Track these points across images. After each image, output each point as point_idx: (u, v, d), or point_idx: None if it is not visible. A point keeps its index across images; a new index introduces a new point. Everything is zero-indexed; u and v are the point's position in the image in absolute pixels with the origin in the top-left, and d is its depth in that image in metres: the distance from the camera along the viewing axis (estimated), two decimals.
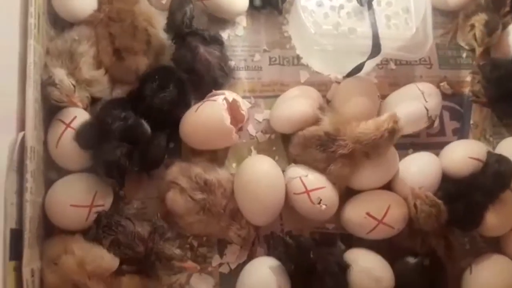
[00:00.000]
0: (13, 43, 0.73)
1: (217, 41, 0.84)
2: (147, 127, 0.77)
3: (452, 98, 0.92)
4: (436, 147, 0.87)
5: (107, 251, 0.71)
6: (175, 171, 0.77)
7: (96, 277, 0.68)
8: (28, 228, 0.67)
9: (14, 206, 0.67)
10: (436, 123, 0.90)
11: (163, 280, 0.74)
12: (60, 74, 0.76)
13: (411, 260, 0.77)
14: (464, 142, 0.89)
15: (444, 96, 0.90)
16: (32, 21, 0.75)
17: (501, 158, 0.81)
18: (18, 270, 0.65)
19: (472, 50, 0.94)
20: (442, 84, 0.92)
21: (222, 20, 0.91)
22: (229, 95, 0.81)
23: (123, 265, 0.71)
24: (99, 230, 0.73)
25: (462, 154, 0.84)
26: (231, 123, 0.79)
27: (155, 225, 0.74)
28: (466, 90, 0.93)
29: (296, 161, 0.83)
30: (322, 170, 0.79)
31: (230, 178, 0.79)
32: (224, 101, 0.79)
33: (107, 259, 0.69)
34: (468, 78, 0.94)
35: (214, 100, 0.80)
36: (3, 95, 0.70)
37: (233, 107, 0.81)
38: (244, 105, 0.84)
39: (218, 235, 0.79)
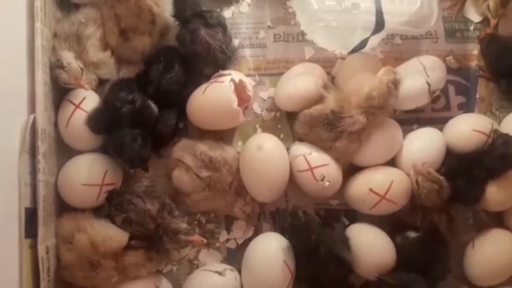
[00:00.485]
0: (21, 27, 0.75)
1: (220, 24, 0.83)
2: (154, 107, 0.79)
3: (458, 72, 0.91)
4: (441, 122, 0.87)
5: (117, 228, 0.74)
6: (180, 149, 0.79)
7: (109, 255, 0.71)
8: (42, 207, 0.70)
9: (28, 186, 0.70)
10: (441, 98, 0.89)
11: (172, 256, 0.77)
12: (68, 57, 0.77)
13: (412, 234, 0.79)
14: (468, 115, 0.88)
15: (450, 70, 0.90)
16: (38, 4, 0.76)
17: (508, 140, 0.80)
18: (33, 248, 0.68)
19: (484, 21, 0.92)
20: (448, 58, 0.91)
21: None
22: (236, 75, 0.82)
23: (132, 241, 0.74)
24: (111, 208, 0.76)
25: (466, 127, 0.84)
26: (238, 103, 0.80)
27: (163, 202, 0.77)
28: (473, 64, 0.92)
29: (301, 140, 0.83)
30: (328, 149, 0.80)
31: (236, 156, 0.81)
32: (231, 82, 0.80)
33: (115, 237, 0.72)
34: (475, 52, 0.92)
35: (221, 82, 0.80)
36: (13, 79, 0.72)
37: (239, 87, 0.82)
38: (250, 85, 0.85)
39: (224, 211, 0.81)
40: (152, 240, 0.74)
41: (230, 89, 0.79)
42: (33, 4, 0.76)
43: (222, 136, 0.84)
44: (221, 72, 0.83)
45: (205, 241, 0.76)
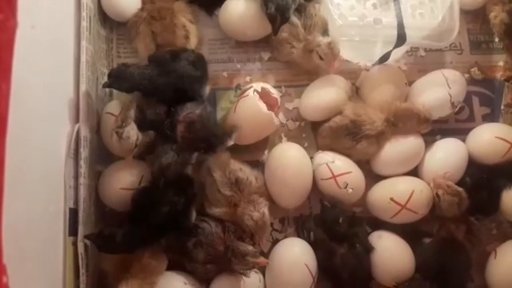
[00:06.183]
0: (69, 44, 0.81)
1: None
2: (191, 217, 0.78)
3: (483, 83, 0.92)
4: (465, 133, 0.88)
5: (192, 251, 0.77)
6: (215, 162, 0.81)
7: None
8: (82, 208, 0.75)
9: (72, 188, 0.75)
10: (465, 109, 0.90)
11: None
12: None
13: (426, 240, 0.80)
14: (491, 124, 0.89)
15: (474, 81, 0.91)
16: (84, 24, 0.82)
17: None
18: (75, 244, 0.73)
19: None
20: (472, 69, 0.92)
21: None
22: (257, 85, 0.84)
23: (208, 265, 0.78)
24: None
25: (489, 135, 0.84)
26: (267, 108, 0.82)
27: (227, 225, 0.79)
28: (498, 75, 0.92)
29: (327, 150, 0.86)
30: (352, 155, 0.83)
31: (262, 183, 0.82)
32: (255, 92, 0.83)
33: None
34: (501, 63, 0.93)
35: (246, 96, 0.83)
36: (61, 91, 0.78)
37: (264, 95, 0.84)
38: (273, 89, 0.86)
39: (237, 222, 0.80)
40: (221, 261, 0.77)
41: (256, 98, 0.82)
42: (80, 24, 0.82)
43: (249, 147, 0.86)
44: (244, 88, 0.87)
45: (269, 263, 0.79)
